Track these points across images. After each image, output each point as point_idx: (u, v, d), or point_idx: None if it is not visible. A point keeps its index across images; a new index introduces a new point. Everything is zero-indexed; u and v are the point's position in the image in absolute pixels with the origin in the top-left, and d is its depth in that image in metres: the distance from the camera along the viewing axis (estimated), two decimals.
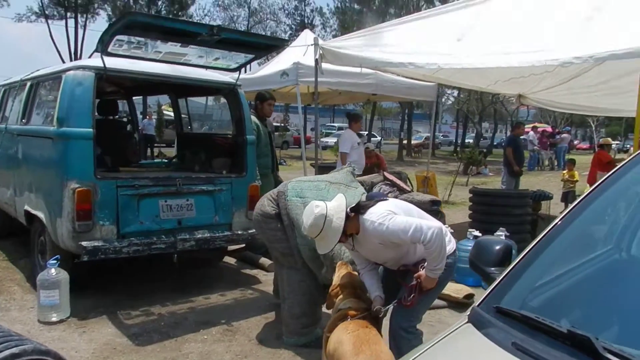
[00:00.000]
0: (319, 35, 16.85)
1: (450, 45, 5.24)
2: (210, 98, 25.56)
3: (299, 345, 3.71)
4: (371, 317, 2.80)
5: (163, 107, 24.48)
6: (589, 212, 1.61)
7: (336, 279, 3.17)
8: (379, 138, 33.22)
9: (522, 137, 11.87)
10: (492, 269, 1.60)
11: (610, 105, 9.30)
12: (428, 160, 12.51)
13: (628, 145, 25.05)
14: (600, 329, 1.32)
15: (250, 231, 4.97)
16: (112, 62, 4.19)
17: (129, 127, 7.15)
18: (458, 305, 4.53)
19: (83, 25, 31.28)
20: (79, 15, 30.95)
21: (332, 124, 38.71)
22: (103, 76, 4.14)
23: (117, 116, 7.00)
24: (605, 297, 1.52)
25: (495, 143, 35.91)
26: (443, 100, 33.89)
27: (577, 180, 11.16)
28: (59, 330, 3.89)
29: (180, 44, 4.38)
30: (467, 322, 1.36)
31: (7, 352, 2.20)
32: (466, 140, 35.72)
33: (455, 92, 32.32)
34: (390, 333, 2.90)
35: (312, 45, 6.24)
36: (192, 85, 5.00)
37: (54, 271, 4.01)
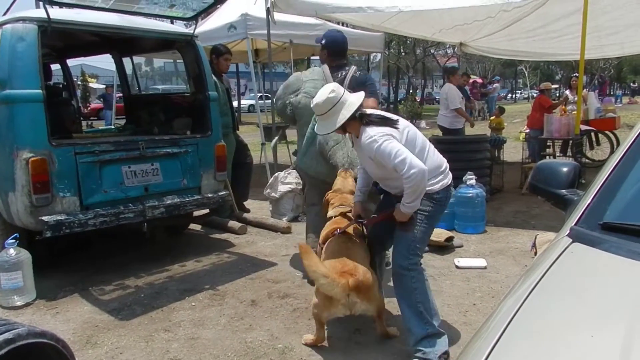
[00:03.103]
0: None
1: None
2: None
3: None
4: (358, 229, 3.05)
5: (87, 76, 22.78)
6: None
7: (333, 186, 3.40)
8: None
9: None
10: (564, 191, 1.54)
11: (548, 50, 9.63)
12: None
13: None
14: None
15: (220, 193, 4.75)
16: (55, 13, 3.71)
17: (64, 94, 6.52)
18: (439, 248, 4.57)
19: None
20: None
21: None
22: (47, 29, 3.66)
23: (50, 82, 6.34)
24: None
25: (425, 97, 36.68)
26: (371, 57, 33.92)
27: (503, 127, 11.54)
28: (27, 314, 3.54)
29: None
30: (573, 242, 1.28)
31: (0, 338, 1.95)
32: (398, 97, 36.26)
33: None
34: (392, 272, 2.86)
35: None
36: (144, 37, 4.54)
37: (13, 251, 3.63)
